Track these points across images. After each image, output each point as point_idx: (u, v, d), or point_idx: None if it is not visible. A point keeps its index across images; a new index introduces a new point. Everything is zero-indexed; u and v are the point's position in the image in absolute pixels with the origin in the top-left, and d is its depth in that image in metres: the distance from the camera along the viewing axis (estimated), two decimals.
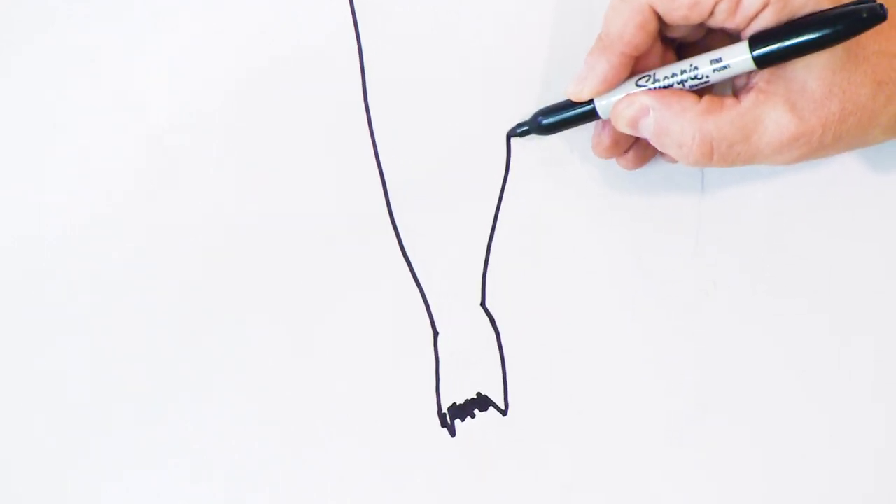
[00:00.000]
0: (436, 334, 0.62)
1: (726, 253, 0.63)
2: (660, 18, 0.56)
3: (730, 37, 0.57)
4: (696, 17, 0.55)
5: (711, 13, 0.54)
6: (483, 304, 0.62)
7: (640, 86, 0.57)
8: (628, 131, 0.57)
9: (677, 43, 0.59)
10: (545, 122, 0.60)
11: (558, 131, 0.60)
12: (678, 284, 0.63)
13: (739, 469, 0.63)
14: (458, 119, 0.61)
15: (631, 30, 0.55)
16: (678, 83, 0.56)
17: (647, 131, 0.57)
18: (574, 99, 0.58)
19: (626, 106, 0.57)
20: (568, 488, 0.62)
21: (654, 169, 0.63)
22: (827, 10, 0.53)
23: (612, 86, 0.57)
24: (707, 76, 0.56)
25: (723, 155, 0.56)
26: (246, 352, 0.61)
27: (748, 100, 0.55)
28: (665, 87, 0.56)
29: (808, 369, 0.64)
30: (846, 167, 0.64)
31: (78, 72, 0.59)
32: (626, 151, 0.61)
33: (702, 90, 0.56)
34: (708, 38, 0.58)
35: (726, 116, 0.55)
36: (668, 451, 0.63)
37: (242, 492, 0.61)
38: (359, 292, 0.61)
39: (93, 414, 0.60)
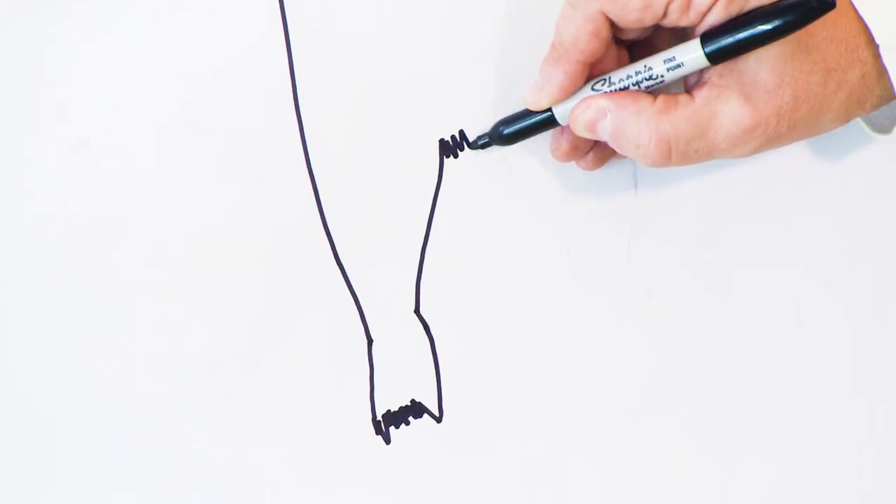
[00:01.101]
0: (370, 342, 0.62)
1: (661, 253, 0.64)
2: (612, 23, 0.56)
3: (681, 32, 0.57)
4: (649, 19, 0.55)
5: (664, 14, 0.55)
6: (417, 311, 0.62)
7: (596, 90, 0.57)
8: (586, 135, 0.58)
9: (629, 42, 0.59)
10: (506, 132, 0.60)
11: (519, 140, 0.60)
12: (613, 287, 0.64)
13: (677, 470, 0.64)
14: (390, 125, 0.61)
15: (585, 37, 0.55)
16: (634, 84, 0.56)
17: (604, 134, 0.57)
18: (532, 108, 0.59)
19: (583, 110, 0.57)
20: (503, 494, 0.63)
21: (588, 172, 0.63)
22: (776, 1, 0.53)
23: (568, 93, 0.57)
24: (662, 76, 0.56)
25: (681, 153, 0.56)
26: (175, 361, 0.60)
27: (702, 96, 0.55)
28: (621, 90, 0.57)
29: (747, 367, 0.64)
30: (777, 161, 0.64)
31: (7, 78, 0.58)
32: (586, 154, 0.61)
33: (657, 90, 0.57)
34: (659, 34, 0.59)
35: (681, 114, 0.55)
36: (603, 455, 0.64)
37: (174, 499, 0.60)
38: (292, 300, 0.61)
39: None
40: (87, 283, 0.59)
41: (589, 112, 0.57)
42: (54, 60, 0.59)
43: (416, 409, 0.62)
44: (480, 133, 0.62)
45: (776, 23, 0.52)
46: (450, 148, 0.62)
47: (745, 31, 0.53)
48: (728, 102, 0.55)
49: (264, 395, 0.61)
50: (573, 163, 0.62)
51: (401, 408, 0.62)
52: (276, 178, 0.61)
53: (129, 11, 0.59)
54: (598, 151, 0.61)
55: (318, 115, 0.61)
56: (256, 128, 0.60)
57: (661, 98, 0.56)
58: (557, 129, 0.60)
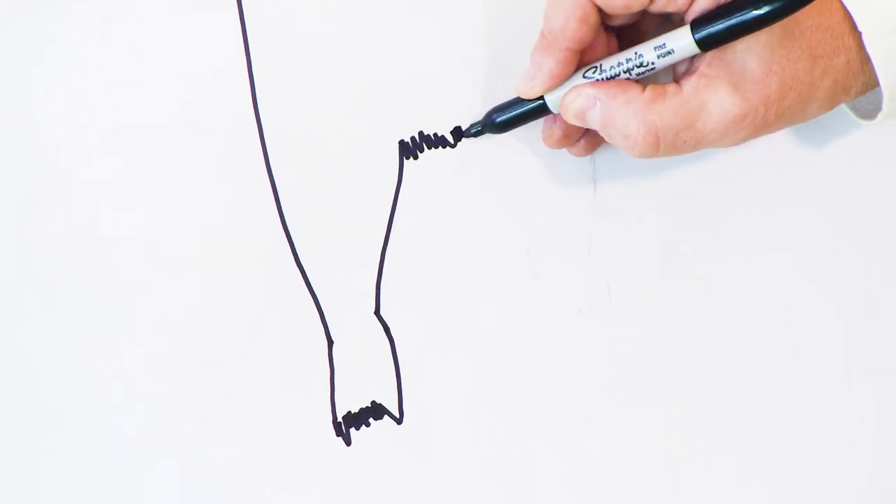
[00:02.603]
0: (330, 343, 0.62)
1: (619, 252, 0.64)
2: (600, 10, 0.56)
3: (669, 17, 0.57)
4: (637, 5, 0.55)
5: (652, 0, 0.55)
6: (377, 312, 0.62)
7: (588, 77, 0.57)
8: (577, 123, 0.58)
9: (618, 28, 0.59)
10: (498, 119, 0.60)
11: (512, 128, 0.61)
12: (573, 286, 0.64)
13: (640, 467, 0.64)
14: (350, 126, 0.61)
15: (573, 25, 0.55)
16: (625, 72, 0.57)
17: (594, 123, 0.57)
18: (524, 97, 0.59)
19: (573, 98, 0.57)
20: (463, 495, 0.63)
21: (546, 171, 0.63)
22: None
23: (560, 81, 0.58)
24: (652, 63, 0.56)
25: (669, 144, 0.56)
26: (137, 359, 0.60)
27: (690, 85, 0.56)
28: (612, 78, 0.57)
29: (705, 365, 0.65)
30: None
31: None
32: (578, 141, 0.61)
33: (647, 78, 0.57)
34: (648, 19, 0.59)
35: (670, 105, 0.56)
36: (564, 454, 0.64)
37: (132, 501, 0.60)
38: (252, 301, 0.61)
39: None
40: (50, 283, 0.59)
41: (579, 100, 0.57)
42: (11, 71, 0.59)
43: (376, 411, 0.62)
44: (473, 122, 0.62)
45: (768, 8, 0.52)
46: (409, 149, 0.62)
47: (737, 17, 0.53)
48: (717, 92, 0.55)
49: (224, 396, 0.61)
50: (561, 151, 0.62)
51: (361, 409, 0.62)
52: (236, 180, 0.60)
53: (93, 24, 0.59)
54: (589, 138, 0.61)
55: (277, 115, 0.61)
56: (215, 129, 0.60)
57: (649, 88, 0.56)
58: (549, 116, 0.60)
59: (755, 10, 0.53)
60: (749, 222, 0.65)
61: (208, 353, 0.61)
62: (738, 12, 0.53)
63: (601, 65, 0.57)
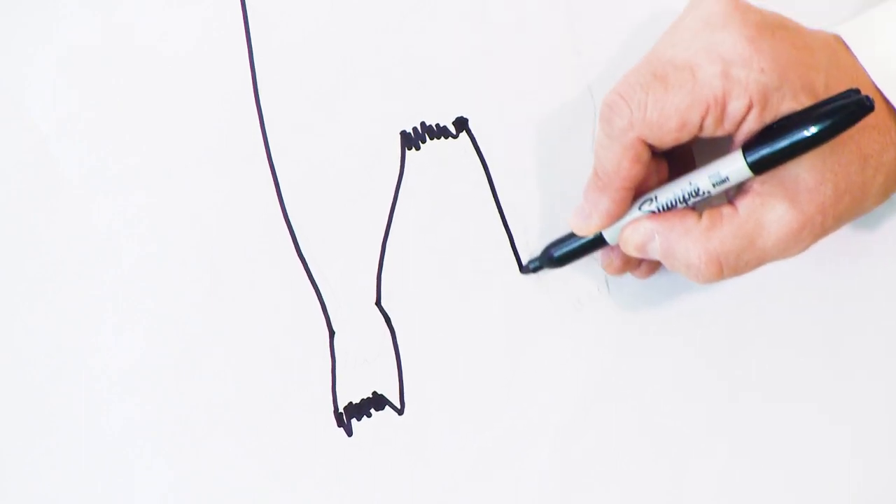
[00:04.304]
0: (332, 334, 0.62)
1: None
2: (650, 145, 0.56)
3: (719, 138, 0.57)
4: (686, 136, 0.55)
5: (700, 128, 0.55)
6: (378, 303, 0.62)
7: (643, 210, 0.58)
8: (637, 255, 0.58)
9: (667, 151, 0.59)
10: (557, 254, 0.61)
11: (570, 262, 0.61)
12: (572, 278, 0.64)
13: (634, 460, 0.64)
14: (351, 116, 0.62)
15: (626, 165, 0.56)
16: (680, 202, 0.57)
17: (655, 254, 0.58)
18: (580, 234, 0.60)
19: (631, 233, 0.58)
20: (464, 485, 0.63)
21: (546, 163, 0.63)
22: (814, 107, 0.54)
23: (616, 219, 0.58)
24: (707, 191, 0.56)
25: (732, 267, 0.56)
26: (137, 350, 0.60)
27: (746, 206, 0.56)
28: (667, 208, 0.57)
29: (703, 358, 0.65)
30: None
31: None
32: (639, 265, 0.62)
33: (702, 204, 0.57)
34: (694, 138, 0.58)
35: (728, 229, 0.56)
36: (564, 444, 0.64)
37: (134, 491, 0.60)
38: (254, 292, 0.61)
39: None
40: (44, 278, 0.59)
41: (637, 234, 0.58)
42: (6, 51, 0.59)
43: (377, 402, 0.62)
44: (531, 258, 0.63)
45: (817, 129, 0.53)
46: (411, 140, 0.62)
47: (787, 139, 0.53)
48: (773, 209, 0.55)
49: (225, 387, 0.60)
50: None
51: (362, 400, 0.62)
52: (236, 170, 0.60)
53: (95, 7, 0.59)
54: (650, 262, 0.62)
55: (278, 104, 0.61)
56: (216, 120, 0.60)
57: (706, 214, 0.56)
58: (607, 246, 0.60)
59: (805, 132, 0.53)
60: None
61: (209, 343, 0.60)
62: (787, 134, 0.53)
63: (656, 196, 0.58)
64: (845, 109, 0.53)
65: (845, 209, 0.56)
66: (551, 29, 0.63)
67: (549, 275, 0.63)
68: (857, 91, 0.53)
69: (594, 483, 0.64)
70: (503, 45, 0.63)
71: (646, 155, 0.56)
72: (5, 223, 0.59)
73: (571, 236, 0.61)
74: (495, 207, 0.63)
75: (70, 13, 0.59)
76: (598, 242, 0.60)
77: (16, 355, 0.59)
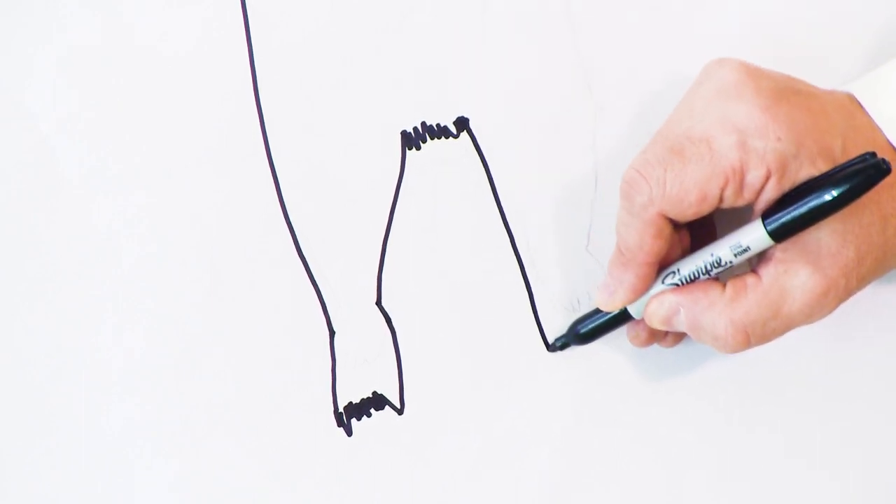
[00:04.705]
0: (332, 333, 0.62)
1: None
2: (671, 219, 0.56)
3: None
4: (706, 209, 0.55)
5: (720, 200, 0.55)
6: (379, 302, 0.62)
7: (667, 283, 0.58)
8: (664, 328, 0.59)
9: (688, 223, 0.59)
10: (582, 331, 0.61)
11: (596, 338, 0.62)
12: (571, 278, 0.64)
13: (628, 465, 0.64)
14: (352, 116, 0.62)
15: (649, 241, 0.56)
16: (703, 273, 0.57)
17: (681, 327, 0.58)
18: (605, 310, 0.60)
19: (656, 307, 0.58)
20: (463, 486, 0.63)
21: (547, 163, 0.63)
22: (831, 173, 0.53)
23: (640, 294, 0.58)
24: (729, 261, 0.56)
25: (759, 336, 0.56)
26: (136, 350, 0.60)
27: (768, 274, 0.56)
28: (691, 280, 0.57)
29: (701, 355, 0.65)
30: None
31: None
32: (665, 336, 0.62)
33: (725, 273, 0.57)
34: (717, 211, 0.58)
35: (752, 299, 0.56)
36: (564, 443, 0.64)
37: (134, 491, 0.60)
38: (255, 292, 0.61)
39: None
40: (44, 278, 0.59)
41: (662, 309, 0.58)
42: (8, 51, 0.59)
43: (377, 401, 0.62)
44: (557, 336, 0.63)
45: (836, 193, 0.52)
46: (412, 139, 0.62)
47: (806, 205, 0.53)
48: (796, 276, 0.55)
49: (225, 386, 0.60)
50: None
51: (362, 400, 0.62)
52: (237, 170, 0.61)
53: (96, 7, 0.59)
54: (676, 332, 0.61)
55: (278, 104, 0.61)
56: (216, 120, 0.60)
57: (730, 284, 0.56)
58: (634, 320, 0.61)
59: (824, 196, 0.53)
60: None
61: (209, 343, 0.60)
62: (805, 200, 0.53)
63: (679, 269, 0.58)
64: (862, 174, 0.52)
65: (868, 270, 0.56)
66: (551, 29, 0.63)
67: (550, 274, 0.63)
68: (874, 154, 0.53)
69: (594, 483, 0.64)
70: (503, 45, 0.62)
71: (667, 229, 0.57)
72: (5, 223, 0.59)
73: (597, 312, 0.61)
74: (496, 207, 0.63)
75: (70, 13, 0.59)
76: (623, 317, 0.60)
77: (16, 355, 0.59)
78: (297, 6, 0.61)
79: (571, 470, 0.64)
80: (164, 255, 0.60)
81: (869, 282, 0.57)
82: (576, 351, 0.63)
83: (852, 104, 0.57)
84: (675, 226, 0.58)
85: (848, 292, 0.56)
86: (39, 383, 0.59)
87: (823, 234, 0.55)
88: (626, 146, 0.63)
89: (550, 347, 0.63)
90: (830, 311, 0.57)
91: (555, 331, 0.63)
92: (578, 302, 0.64)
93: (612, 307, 0.59)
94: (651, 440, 0.64)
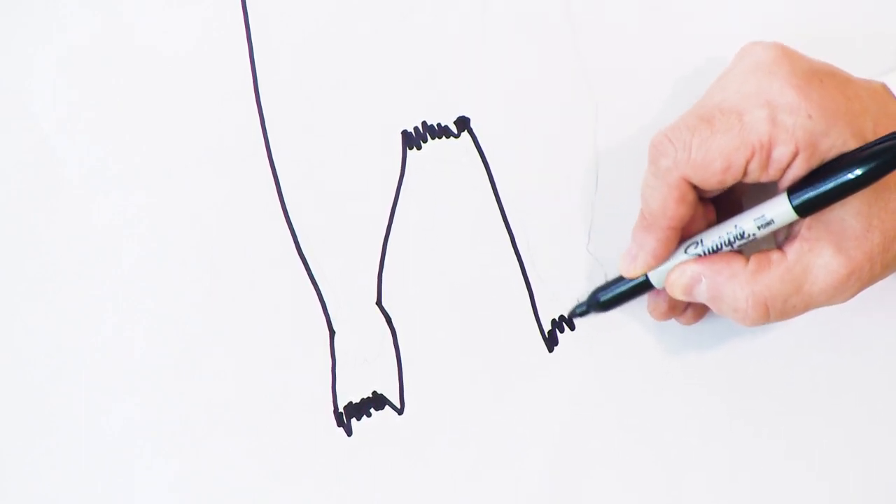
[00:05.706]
0: (332, 333, 0.62)
1: (618, 244, 0.64)
2: (695, 186, 0.56)
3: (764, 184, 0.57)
4: (730, 179, 0.56)
5: (745, 172, 0.55)
6: (379, 302, 0.62)
7: (689, 253, 0.58)
8: (684, 298, 0.59)
9: (713, 196, 0.60)
10: (603, 298, 0.62)
11: (617, 306, 0.62)
12: (572, 278, 0.64)
13: (628, 464, 0.64)
14: (353, 116, 0.62)
15: (672, 205, 0.56)
16: (726, 245, 0.57)
17: (701, 297, 0.58)
18: (628, 276, 0.60)
19: (678, 276, 0.58)
20: (463, 486, 0.63)
21: (548, 163, 0.63)
22: (859, 150, 0.53)
23: (662, 259, 0.59)
24: (753, 234, 0.56)
25: (779, 311, 0.57)
26: (136, 350, 0.60)
27: (793, 251, 0.56)
28: (714, 251, 0.57)
29: (702, 354, 0.65)
30: None
31: None
32: (685, 310, 0.62)
33: (749, 247, 0.57)
34: (742, 185, 0.58)
35: (775, 273, 0.56)
36: (564, 445, 0.64)
37: (134, 491, 0.60)
38: (255, 291, 0.61)
39: None
40: (44, 278, 0.59)
41: (684, 278, 0.58)
42: (8, 49, 0.59)
43: (377, 401, 0.62)
44: (578, 302, 0.63)
45: (861, 171, 0.53)
46: (412, 139, 0.62)
47: (832, 181, 0.53)
48: (820, 255, 0.55)
49: (225, 386, 0.60)
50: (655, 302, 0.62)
51: (362, 399, 0.62)
52: (237, 170, 0.61)
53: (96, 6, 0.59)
54: (696, 307, 0.62)
55: (279, 103, 0.61)
56: (216, 120, 0.60)
57: (753, 258, 0.57)
58: (654, 290, 0.61)
59: (850, 174, 0.53)
60: None
61: (209, 343, 0.60)
62: (832, 176, 0.53)
63: (702, 239, 0.58)
64: (890, 151, 0.52)
65: (893, 257, 0.56)
66: (551, 29, 0.63)
67: (550, 274, 0.63)
68: None
69: (594, 483, 0.64)
70: (503, 45, 0.62)
71: (691, 196, 0.57)
72: (5, 223, 0.59)
73: (618, 280, 0.61)
74: (497, 207, 0.63)
75: (70, 13, 0.59)
76: (644, 286, 0.60)
77: (16, 355, 0.59)
78: (297, 6, 0.61)
79: (571, 470, 0.64)
80: (164, 255, 0.60)
81: (893, 270, 0.57)
82: (576, 351, 0.63)
83: (885, 92, 0.58)
84: (702, 199, 0.58)
85: (871, 278, 0.56)
86: (39, 383, 0.59)
87: (849, 217, 0.55)
88: (626, 146, 0.63)
89: (571, 314, 0.63)
90: (851, 296, 0.57)
91: (555, 332, 0.64)
92: (578, 301, 0.64)
93: (634, 273, 0.59)
94: (651, 440, 0.64)
